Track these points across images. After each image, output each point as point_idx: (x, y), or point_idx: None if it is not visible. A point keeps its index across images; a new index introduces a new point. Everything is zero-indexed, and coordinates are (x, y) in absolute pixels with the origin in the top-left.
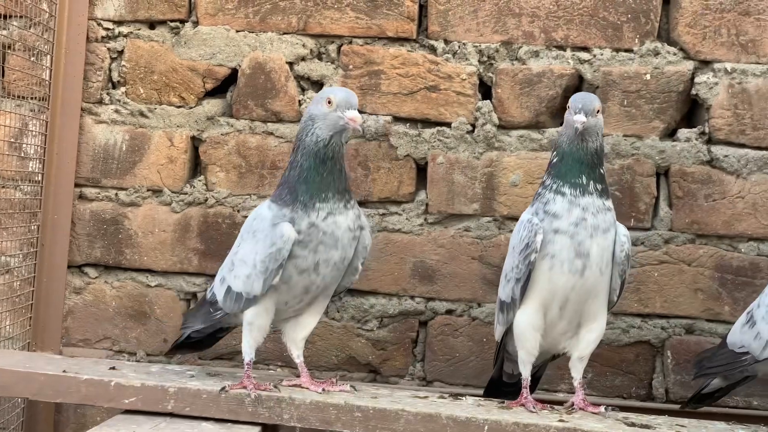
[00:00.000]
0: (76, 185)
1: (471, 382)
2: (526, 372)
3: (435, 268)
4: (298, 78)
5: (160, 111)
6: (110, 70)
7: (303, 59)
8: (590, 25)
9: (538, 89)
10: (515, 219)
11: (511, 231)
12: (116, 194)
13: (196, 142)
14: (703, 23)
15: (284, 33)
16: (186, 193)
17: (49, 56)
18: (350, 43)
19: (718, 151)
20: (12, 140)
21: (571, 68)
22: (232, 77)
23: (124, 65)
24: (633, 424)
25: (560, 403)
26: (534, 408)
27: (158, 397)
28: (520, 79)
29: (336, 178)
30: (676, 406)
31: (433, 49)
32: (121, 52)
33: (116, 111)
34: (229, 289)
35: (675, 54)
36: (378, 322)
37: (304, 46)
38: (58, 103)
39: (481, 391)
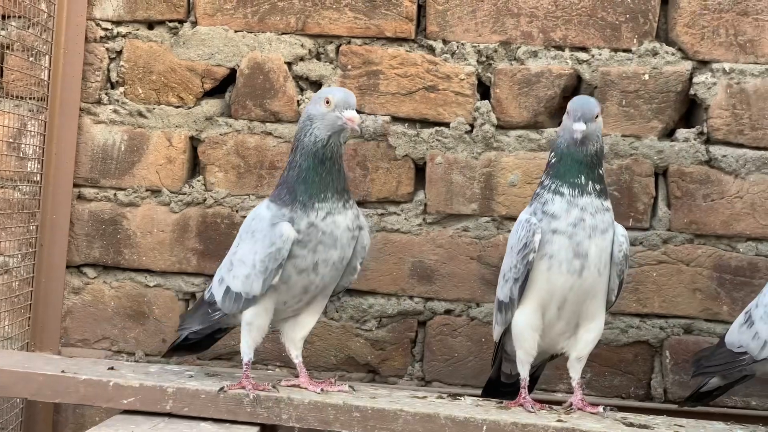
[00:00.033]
0: (75, 185)
1: (469, 382)
2: (524, 372)
3: (433, 268)
4: (297, 78)
5: (158, 111)
6: (109, 70)
7: (301, 59)
8: (588, 25)
9: (536, 89)
10: (514, 219)
11: (509, 231)
12: (115, 194)
13: (194, 143)
14: (701, 23)
15: (283, 33)
16: (185, 193)
17: (47, 56)
18: (349, 43)
19: (717, 151)
20: (10, 140)
21: (569, 68)
22: (231, 77)
23: (122, 65)
24: (631, 424)
25: (559, 403)
26: (532, 408)
27: (157, 397)
28: (519, 79)
29: (335, 178)
30: (675, 406)
31: (431, 50)
32: (119, 53)
33: (115, 111)
34: (228, 290)
35: (673, 54)
36: (377, 322)
37: (302, 46)
38: (57, 103)
39: (479, 391)
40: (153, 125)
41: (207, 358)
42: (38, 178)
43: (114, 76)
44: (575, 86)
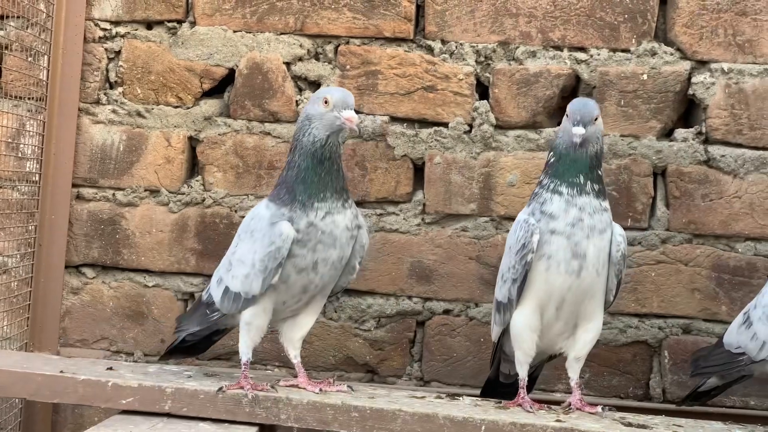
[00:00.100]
0: (74, 185)
1: (468, 382)
2: (523, 372)
3: (432, 268)
4: (296, 78)
5: (157, 111)
6: (107, 70)
7: (300, 59)
8: (587, 25)
9: (535, 89)
10: (512, 219)
11: (508, 231)
12: (113, 194)
13: (193, 143)
14: (700, 23)
15: (281, 33)
16: (183, 194)
17: (46, 56)
18: (347, 43)
19: (715, 151)
20: (9, 140)
21: (568, 68)
22: (230, 77)
23: (121, 65)
24: (630, 424)
25: (557, 403)
26: (531, 408)
27: (155, 397)
28: (517, 79)
29: (334, 178)
30: (673, 406)
31: (430, 50)
32: (118, 53)
33: (113, 111)
34: (226, 290)
35: (672, 54)
36: (375, 322)
37: (301, 46)
38: (56, 103)
39: (478, 391)
40: (152, 125)
41: (206, 358)
42: (37, 178)
43: (113, 76)
44: (574, 86)
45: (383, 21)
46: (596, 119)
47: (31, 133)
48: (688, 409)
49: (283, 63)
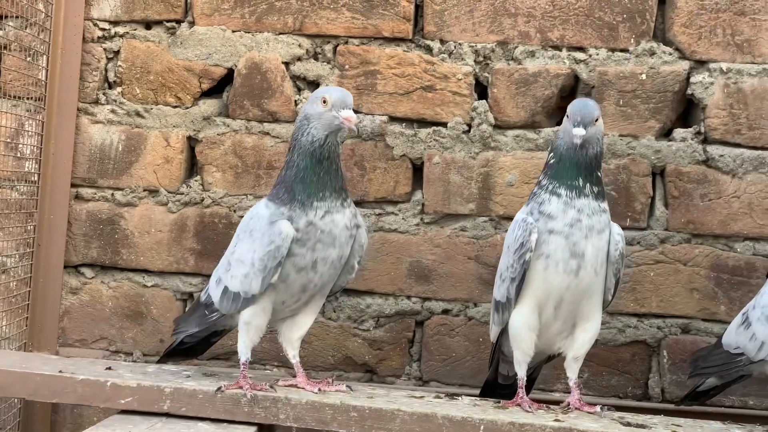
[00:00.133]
0: (73, 185)
1: (467, 382)
2: (521, 372)
3: (431, 267)
4: (294, 78)
5: (156, 111)
6: (106, 70)
7: (299, 59)
8: (586, 25)
9: (534, 89)
10: (511, 219)
11: (507, 231)
12: (112, 194)
13: (192, 142)
14: (698, 23)
15: (280, 33)
16: (182, 194)
17: (45, 56)
18: (346, 43)
19: (714, 150)
20: (8, 140)
21: (566, 68)
22: (229, 77)
23: (120, 65)
24: (629, 424)
25: (556, 403)
26: (530, 408)
27: (154, 397)
28: (516, 79)
29: (332, 177)
30: (672, 406)
31: (429, 49)
32: (117, 53)
33: (112, 111)
34: (226, 290)
35: (671, 54)
36: (374, 322)
37: (300, 46)
38: (55, 103)
39: (477, 391)
40: (150, 125)
41: (205, 358)
42: (36, 178)
43: (111, 76)
44: (573, 86)
45: (382, 21)
46: (597, 120)
47: (30, 133)
48: (686, 408)
49: (282, 63)
